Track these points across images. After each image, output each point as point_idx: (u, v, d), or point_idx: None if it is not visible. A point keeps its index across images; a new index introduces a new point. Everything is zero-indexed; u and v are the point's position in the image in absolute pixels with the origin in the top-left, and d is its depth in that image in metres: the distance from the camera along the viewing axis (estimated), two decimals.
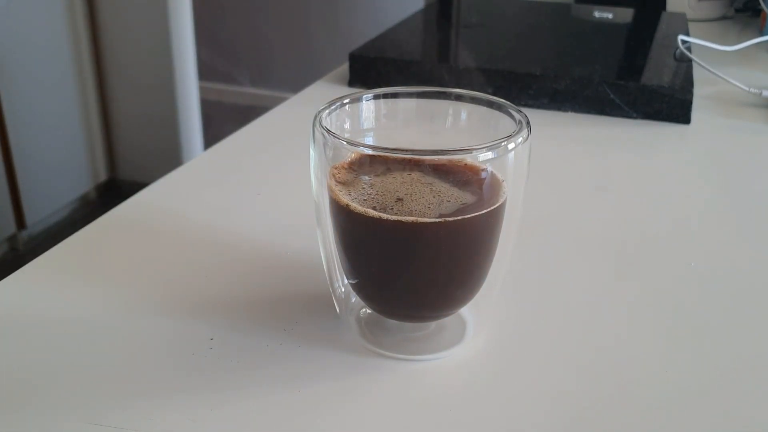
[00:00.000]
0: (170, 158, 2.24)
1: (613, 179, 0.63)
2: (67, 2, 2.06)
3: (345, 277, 0.40)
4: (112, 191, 2.33)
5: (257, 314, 0.42)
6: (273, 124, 0.74)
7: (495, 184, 0.37)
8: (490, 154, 0.35)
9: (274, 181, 0.60)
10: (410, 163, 0.37)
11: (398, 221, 0.34)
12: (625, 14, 1.13)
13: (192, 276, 0.46)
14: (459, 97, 0.40)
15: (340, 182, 0.37)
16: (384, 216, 0.34)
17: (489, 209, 0.35)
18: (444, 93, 0.41)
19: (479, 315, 0.42)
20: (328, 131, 0.36)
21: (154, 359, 0.38)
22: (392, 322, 0.41)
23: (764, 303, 0.45)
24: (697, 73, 0.82)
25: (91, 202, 2.29)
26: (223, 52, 2.94)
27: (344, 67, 0.86)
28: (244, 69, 2.96)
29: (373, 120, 0.40)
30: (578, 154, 0.68)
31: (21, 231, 2.02)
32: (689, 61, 0.85)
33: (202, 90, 2.43)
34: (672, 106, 0.74)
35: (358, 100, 0.40)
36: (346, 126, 0.40)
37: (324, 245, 0.40)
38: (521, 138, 0.36)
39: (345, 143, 0.35)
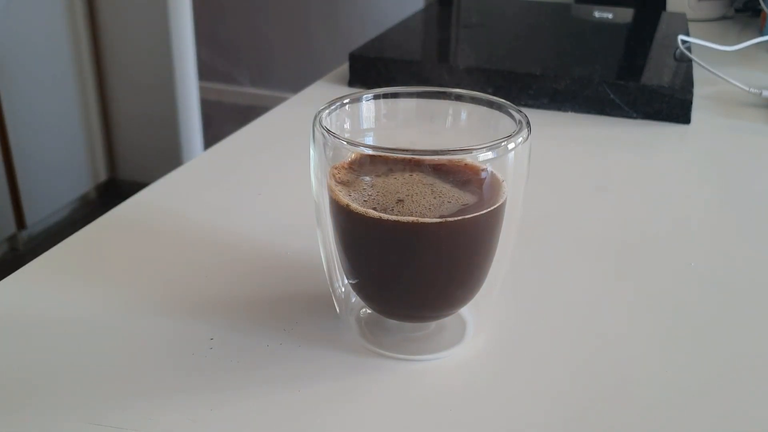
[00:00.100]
0: (170, 158, 2.24)
1: (613, 179, 0.63)
2: (67, 2, 2.06)
3: (345, 277, 0.40)
4: (112, 191, 2.33)
5: (257, 314, 0.42)
6: (273, 124, 0.74)
7: (495, 184, 0.37)
8: (490, 154, 0.35)
9: (274, 181, 0.60)
10: (410, 164, 0.37)
11: (398, 221, 0.34)
12: (625, 14, 1.13)
13: (192, 276, 0.46)
14: (459, 97, 0.40)
15: (340, 182, 0.37)
16: (384, 216, 0.34)
17: (489, 209, 0.35)
18: (444, 93, 0.41)
19: (479, 315, 0.42)
20: (328, 131, 0.36)
21: (154, 359, 0.38)
22: (392, 322, 0.41)
23: (764, 303, 0.45)
24: (697, 73, 0.82)
25: (91, 202, 2.29)
26: (223, 52, 2.94)
27: (344, 67, 0.86)
28: (244, 69, 2.96)
29: (373, 120, 0.40)
30: (578, 154, 0.68)
31: (21, 231, 2.02)
32: (689, 61, 0.85)
33: (202, 90, 2.43)
34: (672, 106, 0.74)
35: (358, 100, 0.40)
36: (346, 126, 0.40)
37: (324, 245, 0.40)
38: (521, 138, 0.36)
39: (345, 143, 0.35)
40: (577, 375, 0.38)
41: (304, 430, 0.34)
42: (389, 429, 0.34)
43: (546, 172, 0.61)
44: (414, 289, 0.38)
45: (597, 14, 1.10)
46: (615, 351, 0.40)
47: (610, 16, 1.09)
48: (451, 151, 0.34)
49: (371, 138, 0.41)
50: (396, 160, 0.37)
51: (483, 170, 0.37)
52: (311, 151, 0.37)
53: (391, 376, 0.37)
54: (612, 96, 0.75)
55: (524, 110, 0.38)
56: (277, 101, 0.81)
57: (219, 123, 2.59)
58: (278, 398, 0.36)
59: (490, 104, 0.39)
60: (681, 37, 0.91)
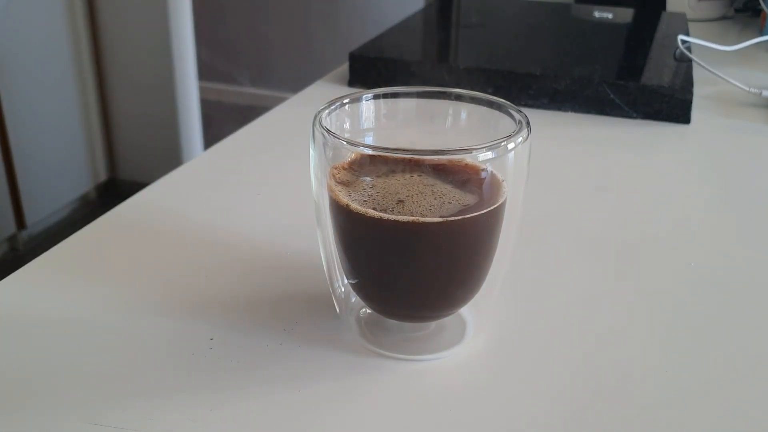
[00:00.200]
0: (170, 158, 2.24)
1: (613, 179, 0.63)
2: (67, 2, 2.06)
3: (345, 277, 0.40)
4: (112, 191, 2.33)
5: (257, 314, 0.42)
6: (273, 124, 0.74)
7: (495, 184, 0.37)
8: (490, 154, 0.35)
9: (274, 181, 0.60)
10: (410, 164, 0.37)
11: (398, 221, 0.34)
12: (625, 14, 1.13)
13: (192, 276, 0.46)
14: (459, 97, 0.40)
15: (340, 182, 0.37)
16: (384, 216, 0.34)
17: (489, 209, 0.35)
18: (444, 93, 0.41)
19: (479, 315, 0.42)
20: (328, 131, 0.36)
21: (154, 359, 0.38)
22: (392, 322, 0.41)
23: (764, 303, 0.45)
24: (697, 73, 0.82)
25: (91, 202, 2.29)
26: (223, 52, 2.94)
27: (344, 67, 0.86)
28: (244, 69, 2.96)
29: (373, 120, 0.40)
30: (578, 154, 0.68)
31: (21, 231, 2.02)
32: (689, 61, 0.85)
33: (202, 90, 2.43)
34: (672, 106, 0.74)
35: (358, 100, 0.40)
36: (346, 126, 0.40)
37: (324, 245, 0.40)
38: (521, 138, 0.36)
39: (345, 143, 0.35)
40: (577, 375, 0.38)
41: (304, 430, 0.34)
42: (389, 429, 0.34)
43: (546, 172, 0.61)
44: (414, 289, 0.38)
45: (597, 14, 1.10)
46: (615, 351, 0.40)
47: (610, 16, 1.09)
48: (451, 151, 0.34)
49: (371, 138, 0.41)
50: (396, 160, 0.37)
51: (483, 170, 0.37)
52: (311, 151, 0.37)
53: (391, 376, 0.37)
54: (612, 96, 0.75)
55: (524, 110, 0.38)
56: (277, 101, 0.81)
57: (219, 123, 2.59)
58: (278, 398, 0.36)
59: (490, 104, 0.39)
60: (681, 37, 0.91)
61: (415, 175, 0.37)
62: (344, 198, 0.36)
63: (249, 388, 0.36)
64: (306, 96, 0.81)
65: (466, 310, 0.42)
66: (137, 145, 2.29)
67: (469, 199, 0.36)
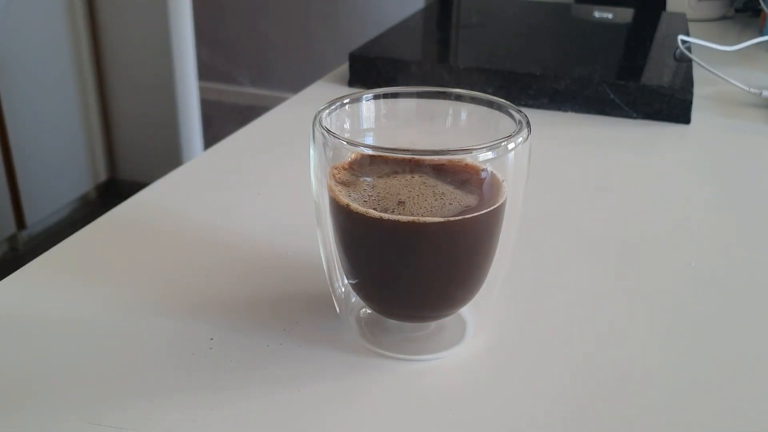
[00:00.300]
0: (170, 158, 2.24)
1: (613, 179, 0.63)
2: (67, 2, 2.06)
3: (345, 277, 0.40)
4: (112, 191, 2.33)
5: (257, 314, 0.42)
6: (273, 124, 0.74)
7: (495, 184, 0.37)
8: (490, 154, 0.35)
9: (274, 181, 0.60)
10: (410, 164, 0.37)
11: (398, 221, 0.34)
12: (625, 14, 1.13)
13: (192, 276, 0.46)
14: (459, 97, 0.40)
15: (340, 182, 0.37)
16: (384, 216, 0.34)
17: (489, 209, 0.35)
18: (444, 93, 0.41)
19: (479, 315, 0.42)
20: (328, 131, 0.36)
21: (154, 359, 0.38)
22: (392, 322, 0.41)
23: (764, 303, 0.45)
24: (697, 73, 0.82)
25: (91, 202, 2.29)
26: (223, 52, 2.94)
27: (344, 67, 0.86)
28: (244, 69, 2.96)
29: (373, 120, 0.40)
30: (578, 154, 0.68)
31: (21, 231, 2.02)
32: (689, 61, 0.85)
33: (202, 90, 2.43)
34: (672, 106, 0.74)
35: (358, 100, 0.40)
36: (346, 126, 0.40)
37: (324, 245, 0.40)
38: (521, 138, 0.36)
39: (345, 143, 0.35)
40: (577, 375, 0.38)
41: (304, 430, 0.34)
42: (389, 429, 0.34)
43: (546, 172, 0.61)
44: (414, 289, 0.38)
45: (597, 14, 1.10)
46: (615, 351, 0.40)
47: (610, 16, 1.09)
48: (451, 151, 0.34)
49: (371, 138, 0.41)
50: (396, 160, 0.37)
51: (483, 170, 0.37)
52: (311, 151, 0.37)
53: (391, 376, 0.37)
54: (612, 96, 0.75)
55: (524, 110, 0.38)
56: (277, 101, 0.81)
57: (219, 123, 2.59)
58: (278, 398, 0.36)
59: (490, 104, 0.39)
60: (681, 37, 0.91)
61: (416, 176, 0.37)
62: (344, 198, 0.36)
63: (249, 388, 0.36)
64: (306, 96, 0.81)
65: (466, 310, 0.42)
66: (137, 145, 2.29)
67: (470, 199, 0.36)
